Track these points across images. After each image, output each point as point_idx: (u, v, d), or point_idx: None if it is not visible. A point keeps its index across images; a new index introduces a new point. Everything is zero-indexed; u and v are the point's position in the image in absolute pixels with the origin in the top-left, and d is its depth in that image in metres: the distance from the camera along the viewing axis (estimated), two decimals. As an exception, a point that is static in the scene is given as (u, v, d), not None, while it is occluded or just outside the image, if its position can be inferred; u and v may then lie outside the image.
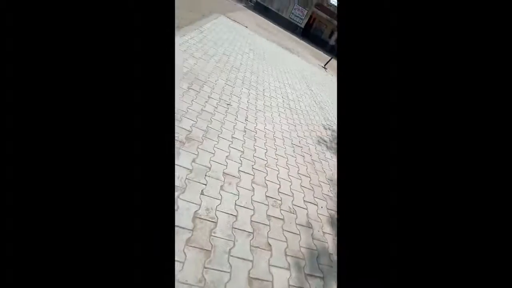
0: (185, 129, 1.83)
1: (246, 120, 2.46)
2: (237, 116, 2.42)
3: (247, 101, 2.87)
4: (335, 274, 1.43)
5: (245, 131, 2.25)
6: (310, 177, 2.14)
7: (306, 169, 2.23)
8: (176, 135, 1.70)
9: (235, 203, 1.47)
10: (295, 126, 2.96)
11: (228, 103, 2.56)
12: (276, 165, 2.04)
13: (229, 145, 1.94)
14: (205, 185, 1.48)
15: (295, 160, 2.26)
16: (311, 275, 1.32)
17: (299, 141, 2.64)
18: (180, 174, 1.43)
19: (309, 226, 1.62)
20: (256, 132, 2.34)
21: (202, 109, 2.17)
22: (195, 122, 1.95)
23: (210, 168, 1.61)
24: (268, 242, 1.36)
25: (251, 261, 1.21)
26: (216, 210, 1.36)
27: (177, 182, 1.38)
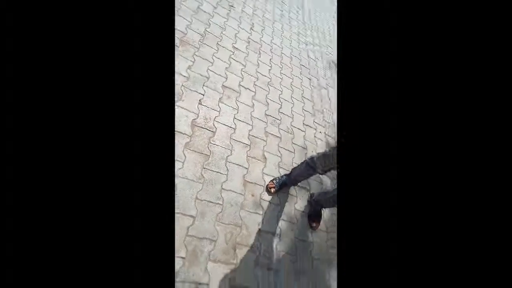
0: (179, 30, 1.56)
1: (251, 29, 2.10)
2: (240, 23, 2.05)
3: (254, 5, 2.37)
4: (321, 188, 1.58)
5: (249, 42, 1.96)
6: (313, 102, 2.05)
7: (311, 93, 2.11)
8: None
9: (234, 117, 1.44)
10: (306, 44, 2.59)
11: (231, 4, 2.11)
12: (280, 84, 1.90)
13: (230, 55, 1.72)
14: (203, 95, 1.40)
15: (301, 82, 2.10)
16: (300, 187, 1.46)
17: (308, 63, 2.38)
18: (176, 80, 1.31)
19: (304, 147, 1.67)
20: (261, 45, 2.05)
21: (198, 7, 1.79)
22: (189, 23, 1.65)
23: (208, 78, 1.48)
24: (264, 155, 1.42)
25: (246, 168, 1.30)
26: (214, 120, 1.34)
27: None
